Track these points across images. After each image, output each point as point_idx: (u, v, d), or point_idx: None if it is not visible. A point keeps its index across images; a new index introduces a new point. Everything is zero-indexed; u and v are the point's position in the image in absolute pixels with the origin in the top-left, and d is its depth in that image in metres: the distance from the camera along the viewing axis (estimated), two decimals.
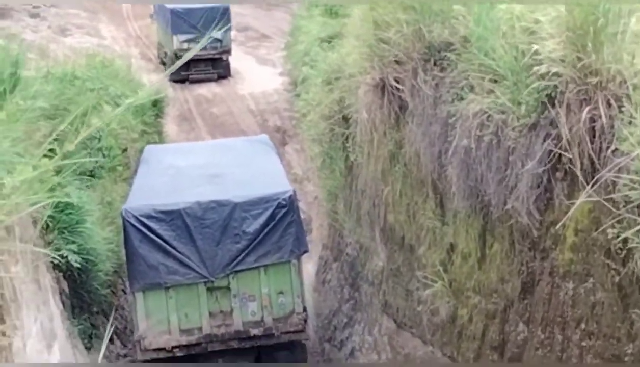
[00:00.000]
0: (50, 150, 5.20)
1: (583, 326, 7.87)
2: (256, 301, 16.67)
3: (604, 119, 7.28)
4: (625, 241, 6.64)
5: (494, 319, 10.10)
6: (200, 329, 16.57)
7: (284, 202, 16.67)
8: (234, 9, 53.23)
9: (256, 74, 41.37)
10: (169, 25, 40.12)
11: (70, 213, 13.29)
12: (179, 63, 5.14)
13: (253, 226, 16.55)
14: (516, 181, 8.68)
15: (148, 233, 16.34)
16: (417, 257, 12.67)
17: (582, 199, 7.39)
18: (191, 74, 39.84)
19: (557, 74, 7.84)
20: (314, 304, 22.38)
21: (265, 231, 16.56)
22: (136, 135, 25.50)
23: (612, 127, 7.20)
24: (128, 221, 16.28)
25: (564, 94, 7.78)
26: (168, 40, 40.71)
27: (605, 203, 6.96)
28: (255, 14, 53.53)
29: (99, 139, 18.68)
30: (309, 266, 24.81)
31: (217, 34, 38.40)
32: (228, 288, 16.61)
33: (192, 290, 16.47)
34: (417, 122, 11.45)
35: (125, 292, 20.11)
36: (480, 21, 9.36)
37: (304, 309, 16.90)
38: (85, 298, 14.56)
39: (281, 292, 16.73)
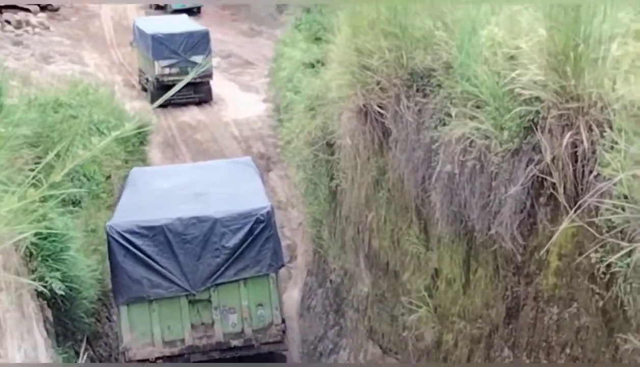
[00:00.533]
0: (34, 177, 5.19)
1: (568, 350, 7.87)
2: (236, 313, 17.44)
3: (585, 144, 7.32)
4: (608, 265, 6.65)
5: (479, 344, 10.10)
6: (182, 340, 17.27)
7: (262, 218, 17.48)
8: (217, 36, 53.48)
9: (240, 101, 41.46)
10: (150, 51, 40.46)
11: (54, 240, 13.24)
12: (170, 93, 5.13)
13: (232, 241, 17.32)
14: (500, 206, 8.70)
15: (131, 248, 17.03)
16: (402, 283, 12.66)
17: (565, 224, 7.41)
18: (173, 99, 38.99)
19: (538, 99, 7.88)
20: (300, 330, 22.33)
21: (244, 245, 17.36)
22: (120, 163, 25.46)
23: (594, 152, 7.23)
24: (112, 237, 16.95)
25: (546, 120, 7.81)
26: (149, 66, 41.03)
27: (589, 228, 6.99)
28: (238, 41, 53.68)
29: (82, 167, 18.67)
30: (294, 292, 24.78)
31: (197, 58, 39.24)
32: (209, 301, 17.36)
33: (174, 303, 17.22)
34: (401, 147, 11.47)
35: (110, 320, 20.04)
36: (462, 47, 9.40)
37: (283, 321, 17.67)
38: (69, 326, 14.49)
39: (260, 305, 17.51)
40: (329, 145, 16.58)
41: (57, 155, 4.44)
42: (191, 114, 39.62)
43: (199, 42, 40.36)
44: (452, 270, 10.68)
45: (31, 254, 12.61)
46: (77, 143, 18.28)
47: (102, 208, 21.99)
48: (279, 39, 42.41)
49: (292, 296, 24.86)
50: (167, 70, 39.80)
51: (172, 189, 19.58)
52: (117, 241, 17.03)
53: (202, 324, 17.46)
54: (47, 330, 12.44)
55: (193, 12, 57.38)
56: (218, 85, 44.78)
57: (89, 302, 15.38)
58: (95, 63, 49.03)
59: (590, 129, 7.36)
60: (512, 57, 8.55)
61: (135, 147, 27.75)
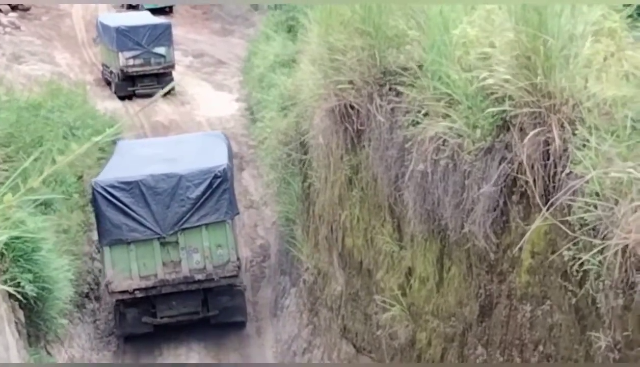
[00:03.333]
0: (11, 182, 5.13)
1: (541, 348, 7.91)
2: (199, 253, 21.23)
3: (557, 142, 7.34)
4: (581, 263, 6.68)
5: (452, 342, 10.12)
6: (155, 275, 21.05)
7: (219, 174, 21.27)
8: (189, 35, 53.38)
9: (212, 100, 41.37)
10: (114, 43, 41.41)
11: (25, 241, 13.16)
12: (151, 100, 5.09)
13: (195, 193, 21.12)
14: (473, 205, 8.72)
15: (112, 200, 20.81)
16: (376, 282, 12.67)
17: (537, 222, 7.44)
18: (137, 89, 41.20)
19: (511, 98, 7.90)
20: (273, 330, 22.30)
21: (205, 196, 21.13)
22: (92, 162, 25.36)
23: (566, 150, 7.26)
24: (96, 191, 20.79)
25: (518, 118, 7.84)
26: (113, 59, 42.03)
27: (561, 226, 7.01)
28: (211, 40, 53.50)
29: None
30: (268, 292, 24.74)
31: (160, 50, 41.40)
32: (177, 242, 21.19)
33: (148, 244, 21.04)
34: (374, 146, 11.48)
35: (82, 321, 19.97)
36: (434, 46, 9.42)
37: (238, 259, 21.42)
38: (41, 327, 14.41)
39: (219, 246, 21.31)
40: (302, 144, 16.58)
41: (35, 159, 4.41)
42: (164, 114, 39.49)
43: (162, 34, 41.90)
44: (425, 268, 10.70)
45: (2, 255, 12.52)
46: (52, 147, 18.24)
47: (74, 208, 21.89)
48: (252, 38, 42.44)
49: (266, 295, 24.82)
50: (131, 61, 41.07)
51: (149, 155, 23.34)
52: (100, 193, 20.76)
53: (171, 261, 21.23)
54: (18, 331, 12.36)
55: (165, 11, 57.22)
56: (191, 84, 44.70)
57: (62, 303, 15.30)
58: (67, 63, 48.71)
59: (562, 127, 7.39)
60: (484, 56, 8.57)
61: (108, 147, 27.65)
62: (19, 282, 12.48)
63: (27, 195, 4.01)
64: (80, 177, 24.19)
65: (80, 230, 21.86)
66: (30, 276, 13.01)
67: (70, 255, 16.87)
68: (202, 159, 22.31)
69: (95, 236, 23.35)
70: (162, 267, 21.09)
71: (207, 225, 21.22)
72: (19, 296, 12.56)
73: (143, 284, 21.01)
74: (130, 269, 20.91)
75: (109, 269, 20.83)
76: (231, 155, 24.55)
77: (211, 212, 21.23)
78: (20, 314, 13.27)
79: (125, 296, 21.12)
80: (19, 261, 13.00)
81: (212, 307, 21.98)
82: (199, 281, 21.26)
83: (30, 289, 12.82)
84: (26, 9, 56.90)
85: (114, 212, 20.81)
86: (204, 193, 21.14)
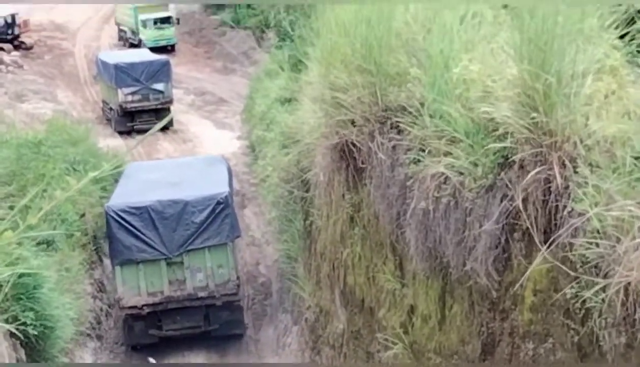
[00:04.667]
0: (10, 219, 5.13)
1: None
2: (202, 272, 23.33)
3: (558, 179, 7.34)
4: (583, 300, 6.66)
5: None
6: (162, 292, 23.14)
7: (221, 200, 23.36)
8: (191, 74, 53.59)
9: (214, 138, 41.48)
10: (114, 80, 42.01)
11: (27, 279, 13.15)
12: (147, 135, 5.11)
13: (199, 218, 23.17)
14: (474, 242, 8.71)
15: (123, 223, 22.82)
16: (378, 320, 12.63)
17: (538, 260, 7.43)
18: (136, 125, 41.89)
19: (512, 135, 7.91)
20: None
21: (208, 221, 23.18)
22: (94, 201, 25.47)
23: (567, 187, 7.26)
24: (109, 215, 22.93)
25: (519, 155, 7.84)
26: (113, 95, 42.71)
27: (561, 265, 7.00)
28: (213, 79, 53.71)
29: (57, 206, 18.73)
30: (269, 330, 24.65)
31: (159, 86, 42.21)
32: (182, 263, 23.25)
33: (155, 264, 23.05)
34: (375, 184, 11.48)
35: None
36: (435, 84, 9.44)
37: (237, 278, 23.55)
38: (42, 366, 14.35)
39: (220, 266, 23.34)
40: (304, 182, 16.59)
41: (34, 196, 4.41)
42: (166, 152, 39.57)
43: (160, 70, 42.53)
44: (427, 306, 10.66)
45: (5, 293, 12.48)
46: (53, 184, 18.28)
47: (76, 247, 21.90)
48: (254, 76, 42.62)
49: (268, 333, 24.73)
50: (130, 97, 41.85)
51: (156, 180, 25.28)
52: (113, 217, 22.85)
53: (177, 280, 23.31)
54: None
55: (167, 49, 57.48)
56: (192, 122, 44.94)
57: (63, 341, 15.25)
58: (69, 101, 48.88)
59: (563, 165, 7.39)
60: (485, 94, 8.59)
61: (110, 186, 27.81)
62: (20, 321, 12.45)
63: (26, 232, 4.02)
64: (82, 216, 24.23)
65: (82, 268, 21.86)
66: (32, 314, 12.98)
67: (72, 294, 16.84)
68: (205, 186, 24.32)
69: (97, 274, 24.19)
70: (168, 285, 23.19)
71: (209, 247, 23.28)
72: (20, 335, 12.53)
73: (150, 300, 23.06)
74: (139, 287, 22.97)
75: (120, 286, 22.97)
76: (231, 179, 26.74)
77: (213, 236, 23.23)
78: (22, 352, 13.23)
79: (134, 311, 23.08)
80: (20, 299, 12.98)
81: (213, 322, 23.80)
82: (202, 298, 23.36)
83: (31, 328, 12.78)
84: (29, 48, 57.18)
85: (124, 235, 22.79)
86: (207, 218, 23.14)
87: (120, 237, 22.82)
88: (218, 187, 24.24)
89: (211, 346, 24.15)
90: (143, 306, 23.06)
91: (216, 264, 23.31)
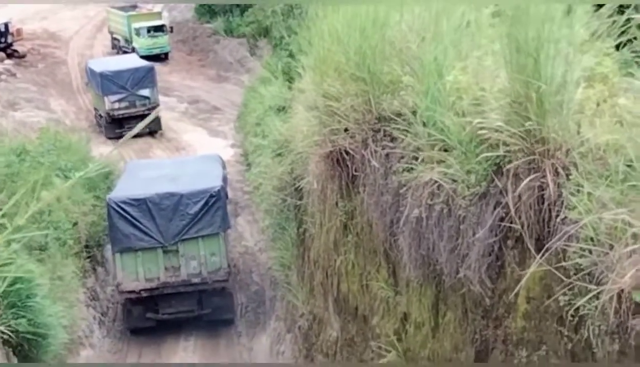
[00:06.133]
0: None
1: None
2: (196, 260, 25.47)
3: (551, 187, 7.36)
4: (576, 308, 6.68)
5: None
6: (158, 278, 25.32)
7: (214, 194, 25.59)
8: (185, 82, 53.58)
9: (208, 146, 41.51)
10: (100, 88, 43.18)
11: (20, 287, 13.13)
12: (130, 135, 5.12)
13: (194, 209, 25.31)
14: (468, 250, 8.71)
15: (123, 213, 24.90)
16: (371, 327, 12.62)
17: (532, 268, 7.44)
18: (124, 131, 42.35)
19: (504, 144, 7.93)
20: None
21: (202, 212, 25.32)
22: (87, 209, 25.56)
23: (560, 195, 7.28)
24: (110, 206, 25.09)
25: (512, 163, 7.85)
26: (101, 102, 43.79)
27: (556, 272, 7.01)
28: (206, 87, 53.72)
29: (49, 213, 18.77)
30: (263, 338, 24.65)
31: (144, 92, 43.55)
32: (177, 251, 25.41)
33: (153, 252, 25.24)
34: (369, 192, 11.48)
35: None
36: (428, 93, 9.46)
37: (228, 266, 25.82)
38: None
39: (213, 254, 25.56)
40: (297, 190, 16.59)
41: (21, 198, 4.42)
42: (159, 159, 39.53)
43: (145, 76, 43.60)
44: (421, 314, 10.67)
45: None
46: (41, 187, 18.25)
47: (69, 255, 21.88)
48: (247, 85, 42.63)
49: (261, 341, 24.73)
50: (116, 105, 43.13)
51: (155, 175, 27.45)
52: (113, 208, 24.97)
53: (172, 267, 25.39)
54: None
55: (160, 58, 57.47)
56: (186, 130, 45.01)
57: (56, 349, 15.24)
58: (62, 109, 48.85)
59: (556, 173, 7.41)
60: (477, 102, 8.61)
61: (103, 194, 27.98)
62: (13, 329, 12.43)
63: (14, 233, 4.02)
64: (75, 224, 24.24)
65: (74, 277, 21.84)
66: (24, 322, 12.97)
67: (65, 302, 16.83)
68: (200, 180, 26.46)
69: (89, 283, 24.59)
70: (164, 272, 25.36)
71: (203, 236, 25.51)
72: (13, 342, 12.51)
73: (148, 285, 25.25)
74: (137, 273, 25.16)
75: (119, 272, 25.28)
76: (225, 176, 28.92)
77: (207, 226, 25.44)
78: (14, 360, 13.20)
79: (133, 296, 25.42)
80: (13, 307, 12.96)
81: (206, 306, 25.99)
82: (195, 284, 25.57)
83: (24, 336, 12.76)
84: (22, 56, 57.11)
85: (124, 224, 24.94)
86: (201, 210, 25.32)
87: (120, 226, 24.87)
88: (212, 181, 26.41)
89: (204, 329, 26.15)
90: (141, 290, 25.21)
91: (209, 253, 25.47)
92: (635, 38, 7.38)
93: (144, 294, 25.35)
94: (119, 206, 25.02)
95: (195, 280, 25.51)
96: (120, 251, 25.22)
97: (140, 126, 4.98)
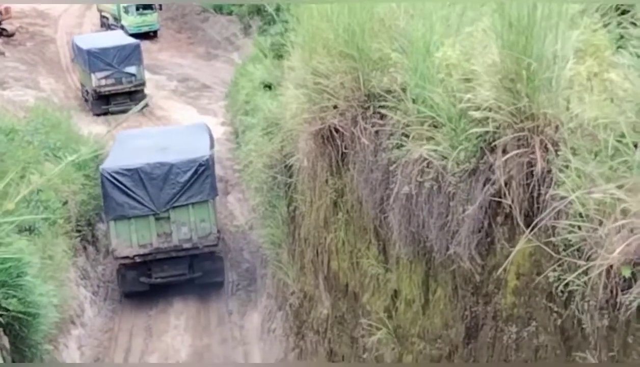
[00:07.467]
0: None
1: None
2: (187, 226, 26.72)
3: (540, 163, 7.35)
4: (566, 283, 6.68)
5: (439, 364, 10.10)
6: (151, 244, 26.60)
7: (203, 163, 26.73)
8: (174, 60, 53.41)
9: None
10: (87, 65, 43.62)
11: (10, 266, 13.10)
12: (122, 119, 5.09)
13: (184, 178, 26.45)
14: (457, 226, 8.71)
15: (116, 183, 25.99)
16: (362, 305, 12.64)
17: (521, 244, 7.44)
18: (111, 107, 43.70)
19: (493, 120, 7.91)
20: (260, 354, 22.24)
21: (192, 180, 26.49)
22: (77, 188, 25.53)
23: (549, 171, 7.27)
24: (104, 176, 26.15)
25: (501, 139, 7.84)
26: (88, 79, 44.39)
27: (545, 247, 7.02)
28: (195, 65, 53.58)
29: (38, 192, 18.76)
30: (254, 316, 24.68)
31: (131, 69, 44.12)
32: (168, 218, 26.63)
33: (145, 219, 26.44)
34: (358, 169, 11.47)
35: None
36: (417, 70, 9.43)
37: (218, 231, 27.12)
38: (26, 353, 14.33)
39: (203, 220, 26.77)
40: (287, 167, 16.57)
41: (11, 180, 4.39)
42: None
43: (131, 54, 44.16)
44: (411, 291, 10.68)
45: None
46: (31, 169, 18.21)
47: (59, 234, 21.83)
48: (237, 62, 42.51)
49: (252, 319, 24.76)
50: (103, 81, 43.69)
51: (145, 145, 28.39)
52: (107, 178, 26.02)
53: (164, 233, 26.64)
54: (3, 358, 12.29)
55: (149, 35, 57.27)
56: (176, 108, 44.93)
57: (47, 328, 15.23)
58: (51, 88, 48.68)
59: (545, 149, 7.40)
60: (466, 79, 8.58)
61: (92, 173, 28.00)
62: (4, 308, 12.41)
63: (4, 217, 3.99)
64: (65, 203, 24.21)
65: (65, 256, 21.80)
66: (14, 301, 12.95)
67: (56, 281, 16.81)
68: (189, 150, 27.54)
69: (80, 262, 24.58)
70: (157, 238, 26.61)
71: (193, 204, 26.65)
72: (3, 321, 12.50)
73: (141, 251, 26.53)
74: (130, 239, 26.44)
75: (113, 239, 26.54)
76: (213, 144, 30.02)
77: (196, 194, 26.64)
78: (5, 340, 13.20)
79: (127, 261, 26.64)
80: (3, 286, 12.94)
81: (197, 270, 27.32)
82: (186, 249, 26.85)
83: (15, 315, 12.75)
84: (10, 35, 56.86)
85: (118, 193, 26.05)
86: (190, 178, 26.52)
87: (114, 195, 26.02)
88: (200, 151, 27.55)
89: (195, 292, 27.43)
90: (135, 256, 26.49)
91: (199, 219, 26.72)
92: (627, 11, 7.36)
93: (138, 260, 26.61)
94: (112, 176, 26.06)
95: (186, 245, 26.76)
96: (114, 219, 26.38)
97: (134, 110, 5.04)
